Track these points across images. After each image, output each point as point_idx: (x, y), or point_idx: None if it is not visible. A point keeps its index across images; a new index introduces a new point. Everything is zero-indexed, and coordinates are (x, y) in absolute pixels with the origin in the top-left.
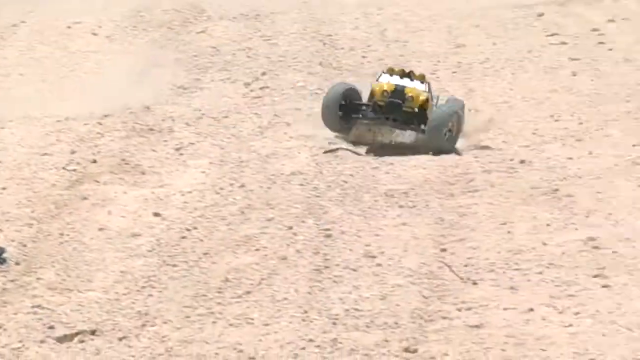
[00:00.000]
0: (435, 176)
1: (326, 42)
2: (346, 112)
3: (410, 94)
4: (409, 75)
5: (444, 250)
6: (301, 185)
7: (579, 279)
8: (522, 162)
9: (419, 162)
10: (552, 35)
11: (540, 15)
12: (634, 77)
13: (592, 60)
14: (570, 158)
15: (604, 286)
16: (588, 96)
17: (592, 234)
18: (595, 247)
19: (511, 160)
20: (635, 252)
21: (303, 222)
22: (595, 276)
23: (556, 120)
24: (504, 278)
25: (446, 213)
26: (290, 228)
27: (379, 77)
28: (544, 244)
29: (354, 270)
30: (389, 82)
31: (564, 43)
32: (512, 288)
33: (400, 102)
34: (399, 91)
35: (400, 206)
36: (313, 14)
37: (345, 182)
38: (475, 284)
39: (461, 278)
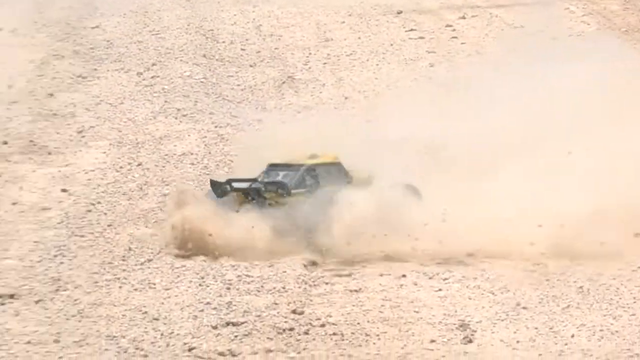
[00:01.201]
0: None
1: (208, 36)
2: None
3: None
4: None
5: None
6: (192, 164)
7: None
8: None
9: None
10: (410, 30)
11: (399, 12)
12: (484, 68)
13: (447, 52)
14: None
15: (467, 255)
16: (445, 85)
17: None
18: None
19: None
20: None
21: None
22: None
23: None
24: None
25: None
26: None
27: None
28: None
29: None
30: None
31: (421, 38)
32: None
33: None
34: None
35: None
36: (195, 11)
37: (232, 161)
38: None
39: None
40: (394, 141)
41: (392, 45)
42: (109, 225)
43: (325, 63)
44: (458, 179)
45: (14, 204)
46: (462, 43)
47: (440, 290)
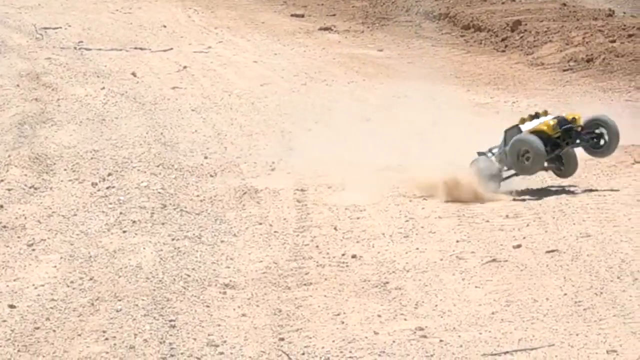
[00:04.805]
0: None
1: (168, 145)
2: None
3: (572, 117)
4: (537, 115)
5: (282, 339)
6: (147, 279)
7: None
8: (353, 256)
9: (256, 257)
10: None
11: None
12: None
13: None
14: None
15: None
16: None
17: (420, 324)
18: (424, 336)
19: (343, 255)
20: (461, 340)
21: (149, 313)
22: None
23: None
24: None
25: (283, 305)
26: (137, 319)
27: (520, 125)
28: (376, 333)
29: (198, 358)
30: (546, 120)
31: None
32: None
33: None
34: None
35: (241, 298)
36: (155, 120)
37: (188, 275)
38: None
39: None
40: None
41: None
42: (57, 343)
43: (289, 172)
44: None
45: None
46: None
47: None
